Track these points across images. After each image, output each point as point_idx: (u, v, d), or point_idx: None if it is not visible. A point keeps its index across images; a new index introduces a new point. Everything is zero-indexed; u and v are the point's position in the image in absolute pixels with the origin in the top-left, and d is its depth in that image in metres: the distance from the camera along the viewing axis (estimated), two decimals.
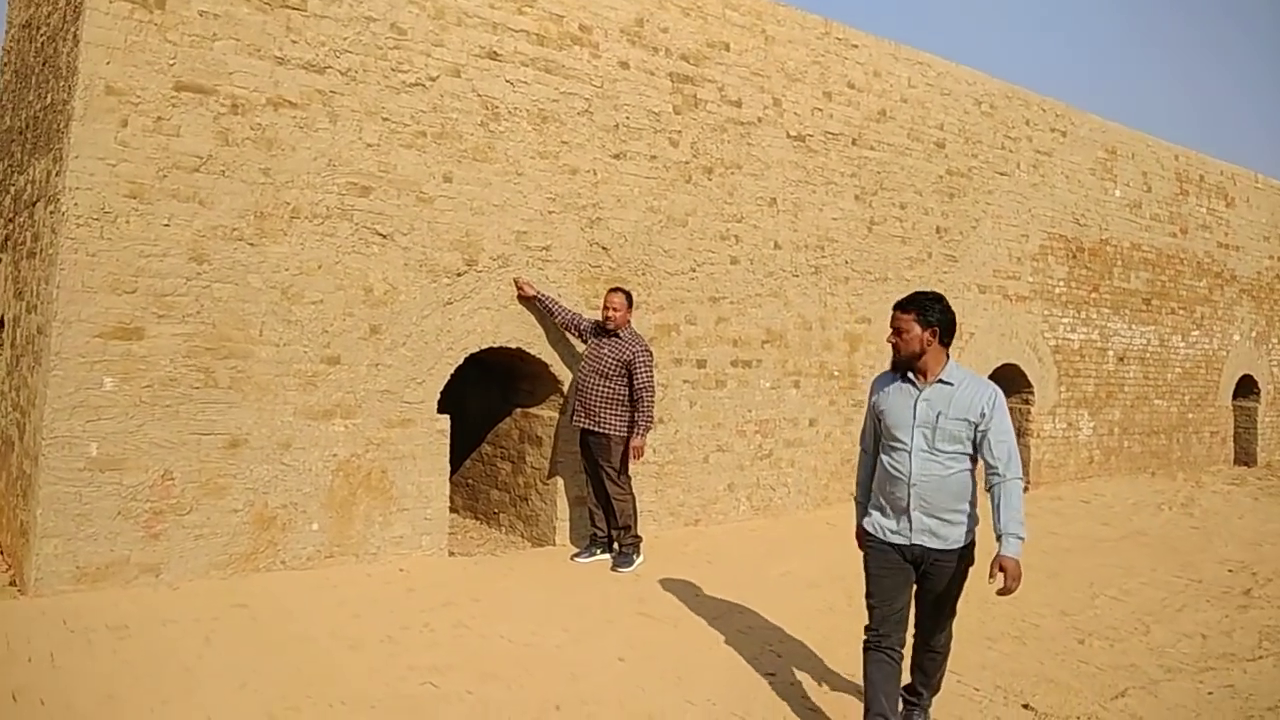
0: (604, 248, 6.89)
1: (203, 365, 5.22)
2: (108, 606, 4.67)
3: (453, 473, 7.75)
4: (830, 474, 8.35)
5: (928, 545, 3.59)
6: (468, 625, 4.81)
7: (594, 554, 6.26)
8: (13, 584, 4.97)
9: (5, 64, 7.32)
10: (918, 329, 3.59)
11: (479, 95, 6.23)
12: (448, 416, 6.12)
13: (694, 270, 7.42)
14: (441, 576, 5.64)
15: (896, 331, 3.63)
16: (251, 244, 5.38)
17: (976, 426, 3.53)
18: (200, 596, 4.94)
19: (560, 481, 6.67)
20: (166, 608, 4.73)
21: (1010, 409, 10.12)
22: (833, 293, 8.42)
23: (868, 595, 3.74)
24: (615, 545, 6.24)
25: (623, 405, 6.21)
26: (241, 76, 5.33)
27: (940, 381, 3.60)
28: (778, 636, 4.96)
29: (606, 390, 6.18)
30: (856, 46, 8.67)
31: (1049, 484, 10.45)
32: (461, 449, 7.60)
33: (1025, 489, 9.96)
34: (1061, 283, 10.81)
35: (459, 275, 6.18)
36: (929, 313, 3.59)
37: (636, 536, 6.20)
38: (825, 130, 8.34)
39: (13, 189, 6.42)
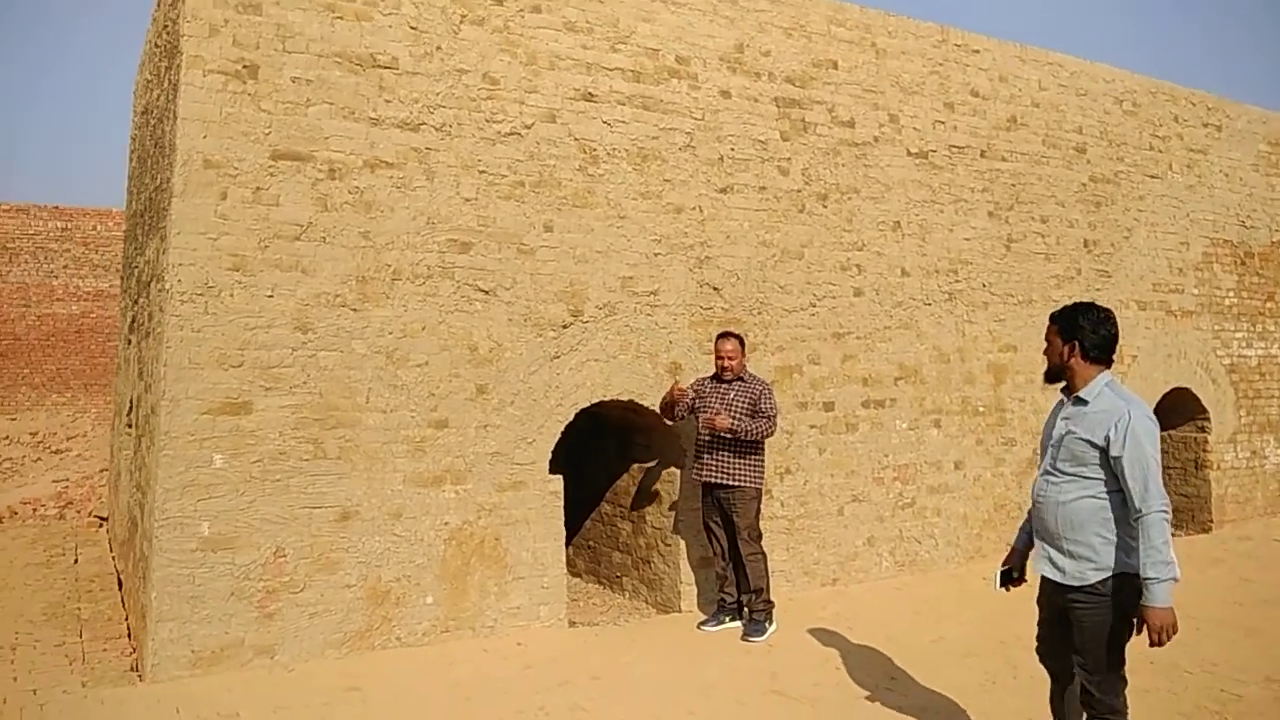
0: (715, 288, 6.50)
1: (311, 436, 5.10)
2: (220, 692, 4.52)
3: (573, 534, 7.46)
4: (983, 522, 7.62)
5: (1045, 574, 3.44)
6: (585, 708, 4.43)
7: (722, 621, 5.78)
8: (133, 669, 4.91)
9: (131, 151, 7.61)
10: (1058, 342, 3.47)
11: (576, 139, 5.99)
12: (560, 477, 5.82)
13: (814, 305, 6.93)
14: (560, 650, 5.29)
15: (1046, 342, 3.54)
16: (354, 309, 5.25)
17: (1105, 451, 3.25)
18: (314, 679, 4.75)
19: (682, 542, 6.25)
20: (278, 692, 4.55)
21: (1184, 439, 9.20)
22: (971, 320, 7.75)
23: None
24: (746, 611, 5.75)
25: (755, 454, 5.74)
26: (337, 140, 5.25)
27: (1078, 399, 3.42)
28: (933, 718, 4.36)
29: (734, 439, 5.70)
30: (978, 52, 8.06)
31: (1235, 521, 9.29)
32: (581, 509, 7.30)
33: (1208, 529, 8.93)
34: (1231, 293, 9.72)
35: (565, 327, 5.90)
36: (1070, 326, 3.44)
37: (769, 602, 5.69)
38: (949, 144, 7.74)
39: (135, 271, 6.57)
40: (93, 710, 4.30)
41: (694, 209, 6.45)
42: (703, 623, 5.82)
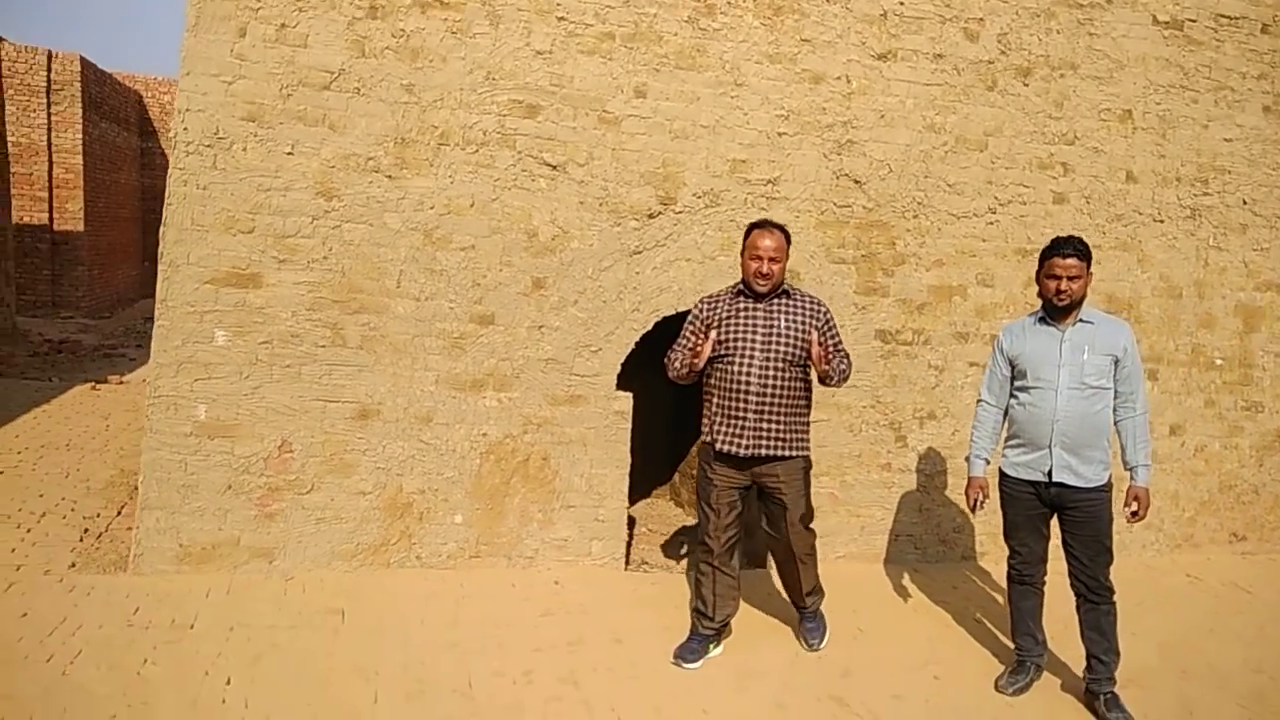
0: (857, 181, 5.16)
1: (329, 320, 4.43)
2: (196, 596, 4.05)
3: (682, 459, 6.54)
4: (1200, 504, 5.88)
5: (1068, 483, 3.58)
6: (579, 683, 3.54)
7: (706, 652, 3.88)
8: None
9: None
10: (1088, 275, 3.59)
11: None
12: (629, 395, 4.86)
13: (994, 211, 5.41)
14: (598, 597, 4.42)
15: (1071, 279, 3.54)
16: (390, 176, 4.48)
17: (1118, 362, 3.56)
18: (306, 593, 4.18)
19: None
20: (254, 604, 4.01)
21: None
22: (1220, 246, 5.88)
23: (1007, 536, 3.84)
24: (802, 612, 4.14)
25: (808, 409, 3.91)
26: None
27: (1082, 321, 3.62)
28: None
29: (791, 386, 3.76)
30: None
31: None
32: (688, 430, 6.34)
33: None
34: None
35: (651, 217, 4.85)
36: (1090, 254, 3.59)
37: (822, 592, 4.15)
38: (1217, 13, 5.77)
39: None
40: (50, 596, 3.94)
41: (839, 79, 5.11)
42: (679, 656, 3.81)
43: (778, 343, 3.73)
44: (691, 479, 6.37)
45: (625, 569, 4.90)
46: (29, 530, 4.68)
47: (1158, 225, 5.75)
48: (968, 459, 3.90)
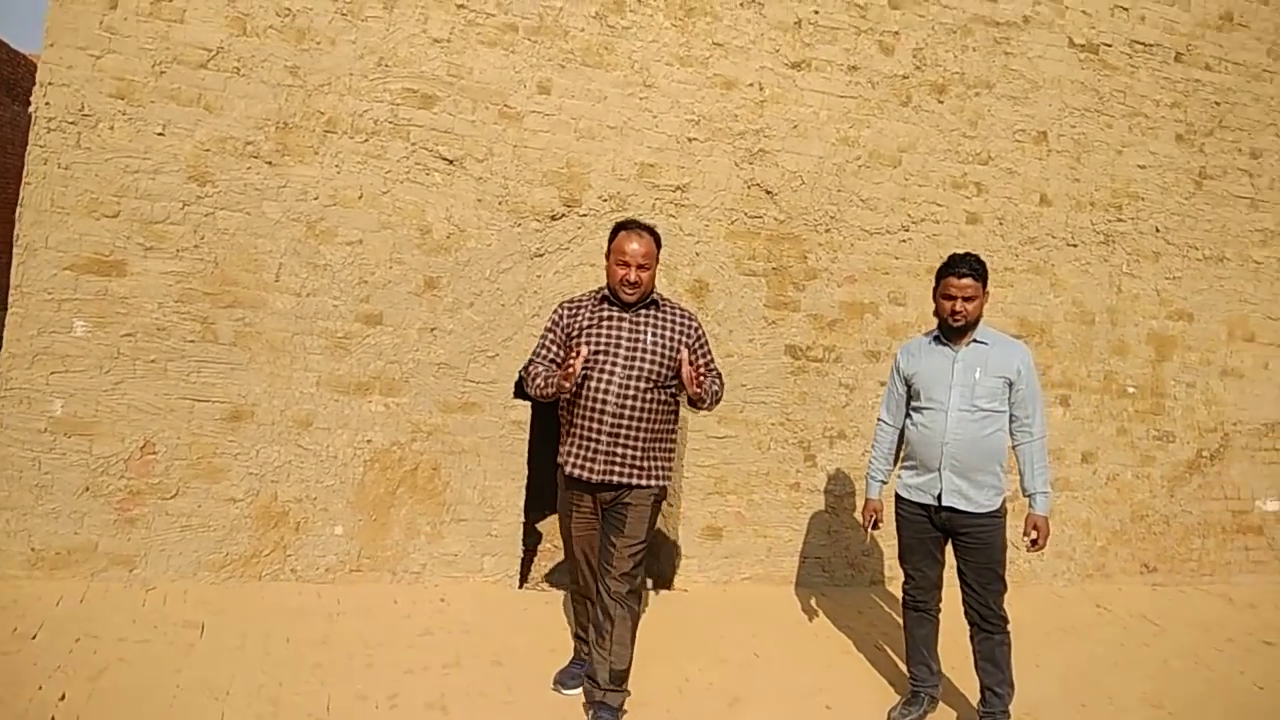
0: (768, 191, 5.04)
1: (200, 314, 4.15)
2: (45, 604, 3.72)
3: None
4: (1111, 534, 5.83)
5: (958, 507, 3.44)
6: (446, 709, 3.28)
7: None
8: None
9: None
10: (984, 295, 3.47)
11: None
12: (527, 404, 4.63)
13: (907, 230, 5.33)
14: (484, 616, 4.17)
15: (966, 300, 3.42)
16: (270, 163, 4.22)
17: (1012, 385, 3.45)
18: (167, 604, 3.87)
19: (685, 504, 4.95)
20: (108, 614, 3.69)
21: None
22: (1133, 273, 5.88)
23: (902, 560, 3.71)
24: (590, 691, 3.34)
25: (673, 433, 3.46)
26: None
27: (976, 341, 3.49)
28: None
29: (652, 408, 3.30)
30: None
31: None
32: None
33: None
34: None
35: (554, 219, 4.66)
36: (986, 275, 3.47)
37: (626, 690, 3.35)
38: (1132, 39, 5.82)
39: None
40: None
41: (751, 85, 5.00)
42: (559, 682, 3.54)
43: (642, 359, 3.26)
44: None
45: (520, 587, 4.66)
46: None
47: (1071, 249, 5.73)
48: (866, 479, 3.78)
